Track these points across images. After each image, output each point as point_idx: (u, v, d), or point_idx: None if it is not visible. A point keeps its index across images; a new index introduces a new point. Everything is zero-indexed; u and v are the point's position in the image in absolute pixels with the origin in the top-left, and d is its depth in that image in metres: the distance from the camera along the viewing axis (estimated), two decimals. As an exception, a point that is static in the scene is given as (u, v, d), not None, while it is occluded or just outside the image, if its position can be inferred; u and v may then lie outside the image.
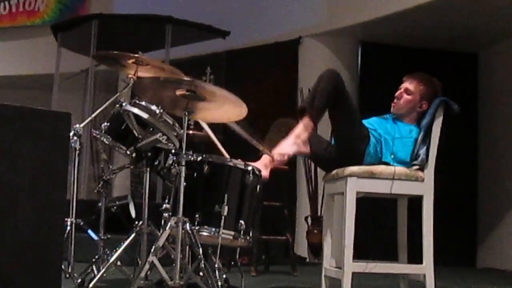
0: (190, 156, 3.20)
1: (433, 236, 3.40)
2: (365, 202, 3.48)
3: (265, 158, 3.51)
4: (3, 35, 10.93)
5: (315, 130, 3.52)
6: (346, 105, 3.51)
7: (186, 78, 3.08)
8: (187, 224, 3.02)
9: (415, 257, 3.52)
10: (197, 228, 3.11)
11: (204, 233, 3.14)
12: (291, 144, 3.44)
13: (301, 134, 3.43)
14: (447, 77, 3.78)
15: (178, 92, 3.11)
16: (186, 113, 3.14)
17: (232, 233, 3.18)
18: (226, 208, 3.13)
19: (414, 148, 3.49)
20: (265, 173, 3.45)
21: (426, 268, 3.39)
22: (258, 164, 3.45)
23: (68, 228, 3.41)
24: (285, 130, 3.56)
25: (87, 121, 3.65)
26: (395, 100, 3.64)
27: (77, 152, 3.47)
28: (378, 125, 3.55)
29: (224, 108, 3.27)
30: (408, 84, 3.62)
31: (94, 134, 3.43)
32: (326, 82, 3.46)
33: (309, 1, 8.14)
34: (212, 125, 5.26)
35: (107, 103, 3.64)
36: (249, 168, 3.28)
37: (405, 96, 3.61)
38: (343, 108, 3.50)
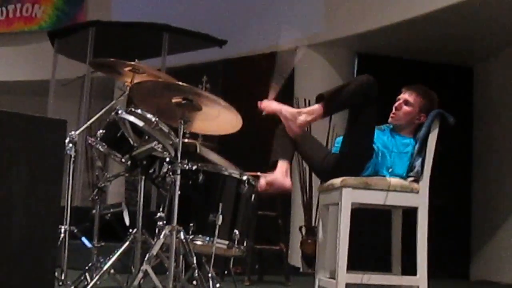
0: (185, 165, 3.20)
1: (427, 248, 3.40)
2: (359, 213, 3.48)
3: (282, 166, 3.40)
4: (0, 40, 10.92)
5: (309, 132, 3.45)
6: (368, 118, 3.38)
7: (184, 85, 3.08)
8: (181, 233, 3.01)
9: (409, 268, 3.51)
10: (191, 237, 3.11)
11: (198, 242, 3.14)
12: (289, 111, 3.35)
13: (304, 114, 3.34)
14: (442, 90, 3.78)
15: (174, 100, 3.11)
16: (182, 122, 3.14)
17: (226, 242, 3.18)
18: (220, 217, 3.13)
19: (410, 162, 3.48)
20: (288, 182, 3.37)
21: (420, 280, 3.39)
22: (278, 173, 3.37)
23: (62, 235, 3.39)
24: (289, 138, 3.51)
25: (82, 128, 3.64)
26: (394, 111, 3.62)
27: (72, 159, 3.46)
28: (376, 138, 3.54)
29: (220, 119, 3.27)
30: (407, 96, 3.60)
31: (90, 141, 3.42)
32: (357, 85, 3.34)
33: (306, 12, 8.15)
34: (207, 134, 5.28)
35: (103, 111, 3.63)
36: (244, 177, 3.28)
37: (404, 108, 3.59)
38: (364, 120, 3.38)
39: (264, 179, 3.36)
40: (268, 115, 3.40)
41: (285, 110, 3.36)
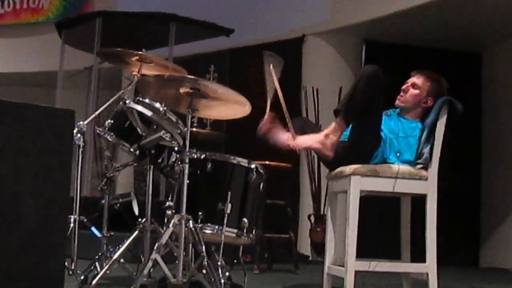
0: (193, 154, 3.21)
1: (436, 235, 3.39)
2: (368, 200, 3.48)
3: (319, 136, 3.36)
4: (7, 32, 10.94)
5: (320, 127, 3.46)
6: (376, 108, 3.37)
7: (189, 77, 3.08)
8: (190, 222, 3.02)
9: (418, 256, 3.51)
10: (200, 225, 3.12)
11: (207, 231, 3.14)
12: (318, 140, 3.32)
13: (330, 135, 3.32)
14: (450, 76, 3.76)
15: (182, 90, 3.11)
16: (190, 111, 3.14)
17: (235, 231, 3.19)
18: (229, 206, 3.13)
19: (418, 147, 3.48)
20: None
21: (429, 267, 3.38)
22: (307, 138, 3.37)
23: (72, 225, 3.41)
24: (302, 128, 3.51)
25: (90, 118, 3.65)
26: (401, 93, 3.61)
27: (80, 149, 3.47)
28: (382, 124, 3.53)
29: (228, 106, 3.27)
30: (415, 79, 3.60)
31: (98, 132, 3.43)
32: (365, 83, 3.29)
33: (312, 1, 8.13)
34: (215, 123, 5.28)
35: (110, 101, 3.64)
36: (253, 166, 3.28)
37: (412, 90, 3.58)
38: (373, 110, 3.35)
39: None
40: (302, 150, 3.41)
41: (314, 144, 3.34)
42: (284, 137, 3.40)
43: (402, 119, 3.59)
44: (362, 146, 3.44)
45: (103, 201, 3.70)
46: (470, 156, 8.13)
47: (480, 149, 8.32)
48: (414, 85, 3.58)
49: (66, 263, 3.20)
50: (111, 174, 3.65)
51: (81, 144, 3.46)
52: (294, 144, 3.36)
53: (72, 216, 3.43)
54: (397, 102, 3.62)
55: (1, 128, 2.24)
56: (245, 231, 3.21)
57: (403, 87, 3.61)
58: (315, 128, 3.86)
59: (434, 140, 3.42)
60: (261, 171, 3.33)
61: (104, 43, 7.74)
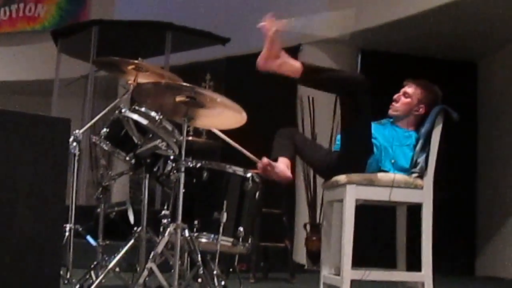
0: (189, 163, 3.20)
1: (432, 244, 3.39)
2: (364, 209, 3.48)
3: (282, 160, 3.45)
4: (3, 40, 10.94)
5: (315, 138, 3.48)
6: (363, 113, 3.39)
7: (186, 85, 3.08)
8: (186, 231, 3.02)
9: (414, 265, 3.51)
10: (196, 234, 3.11)
11: (203, 240, 3.14)
12: (278, 48, 3.32)
13: (286, 57, 3.33)
14: (446, 86, 3.78)
15: (178, 99, 3.11)
16: (186, 120, 3.14)
17: (231, 239, 3.18)
18: (225, 214, 3.13)
19: (413, 155, 3.49)
20: (288, 173, 3.42)
21: (425, 276, 3.38)
22: (281, 166, 3.40)
23: (67, 234, 3.40)
24: (289, 140, 3.54)
25: (86, 127, 3.65)
26: (393, 103, 3.65)
27: (76, 157, 3.46)
28: (376, 132, 3.54)
29: (223, 115, 3.27)
30: (407, 88, 3.64)
31: (94, 140, 3.43)
32: (350, 74, 3.38)
33: (310, 8, 8.14)
34: (211, 131, 5.28)
35: (106, 109, 3.64)
36: (248, 175, 3.28)
37: (403, 99, 3.63)
38: (359, 115, 3.39)
39: (266, 159, 3.38)
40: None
41: (276, 40, 3.32)
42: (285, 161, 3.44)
43: (396, 128, 3.61)
44: (355, 155, 3.47)
45: (98, 210, 3.69)
46: (465, 165, 8.15)
47: (476, 158, 8.33)
48: (405, 94, 3.63)
49: (61, 272, 3.20)
50: (107, 183, 3.64)
51: (77, 152, 3.46)
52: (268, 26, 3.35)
53: (67, 225, 3.43)
54: (389, 111, 3.66)
55: (-4, 136, 2.24)
56: (241, 240, 3.20)
57: (395, 96, 3.66)
58: (306, 140, 3.89)
59: (429, 149, 3.43)
60: (257, 180, 3.33)
61: (100, 52, 7.75)
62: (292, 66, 3.35)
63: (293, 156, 3.59)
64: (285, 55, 3.35)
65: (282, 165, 3.42)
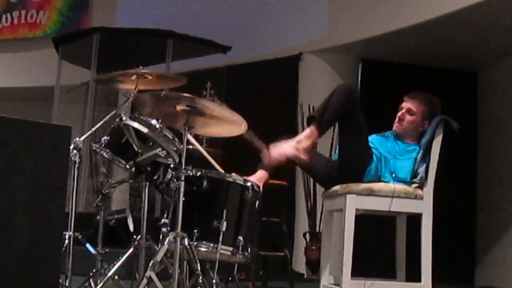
0: (189, 171, 3.20)
1: (432, 254, 3.39)
2: (364, 219, 3.48)
3: (259, 173, 3.53)
4: (5, 47, 10.95)
5: (315, 147, 3.51)
6: (356, 122, 3.47)
7: (186, 95, 3.09)
8: (186, 239, 3.01)
9: (414, 275, 3.50)
10: (195, 243, 3.10)
11: (203, 249, 3.13)
12: (291, 146, 3.40)
13: (303, 141, 3.40)
14: (446, 95, 3.79)
15: (178, 108, 3.11)
16: (186, 128, 3.14)
17: (231, 248, 3.18)
18: (224, 223, 3.12)
19: (414, 166, 3.49)
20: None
21: (425, 286, 3.38)
22: (253, 178, 3.46)
23: (66, 241, 3.39)
24: None
25: (87, 134, 3.64)
26: (398, 121, 3.65)
27: (76, 165, 3.46)
28: (378, 144, 3.55)
29: (224, 124, 3.28)
30: (410, 105, 3.63)
31: (94, 148, 3.43)
32: (339, 95, 3.43)
33: (310, 18, 8.16)
34: (211, 140, 5.28)
35: (107, 117, 3.64)
36: (248, 184, 3.28)
37: (408, 117, 3.62)
38: (353, 124, 3.46)
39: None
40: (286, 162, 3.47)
41: (287, 151, 3.40)
42: (259, 174, 3.54)
43: (399, 142, 3.61)
44: (352, 164, 3.49)
45: (98, 218, 3.69)
46: (465, 175, 8.13)
47: (475, 168, 8.32)
48: (409, 111, 3.62)
49: (60, 280, 3.19)
50: (107, 191, 3.64)
51: (77, 160, 3.45)
52: (269, 159, 3.41)
53: (67, 232, 3.42)
54: (394, 128, 3.66)
55: (-3, 144, 2.24)
56: (240, 249, 3.20)
57: (399, 114, 3.65)
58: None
59: (429, 159, 3.43)
60: (257, 188, 3.33)
61: (101, 59, 7.75)
62: (310, 135, 3.43)
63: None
64: (299, 139, 3.42)
65: (254, 179, 3.48)
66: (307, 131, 3.43)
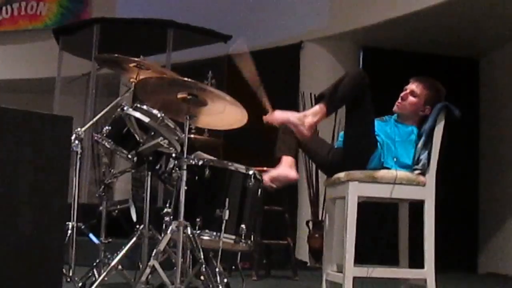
0: (191, 160, 3.21)
1: (435, 241, 3.39)
2: (366, 206, 3.48)
3: (285, 160, 3.47)
4: (5, 39, 10.94)
5: (317, 132, 3.48)
6: (365, 109, 3.43)
7: (188, 80, 3.08)
8: (188, 228, 3.02)
9: (416, 261, 3.51)
10: (198, 232, 3.11)
11: (205, 237, 3.14)
12: (296, 116, 3.34)
13: (309, 116, 3.33)
14: (448, 82, 3.77)
15: (180, 96, 3.11)
16: (188, 117, 3.14)
17: (233, 237, 3.18)
18: (227, 212, 3.13)
19: (415, 151, 3.49)
20: (292, 173, 3.44)
21: (428, 273, 3.38)
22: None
23: (69, 231, 3.41)
24: (293, 134, 3.53)
25: (88, 125, 3.65)
26: (399, 100, 3.63)
27: (78, 155, 3.47)
28: (379, 129, 3.54)
29: (225, 113, 3.27)
30: (414, 87, 3.61)
31: (96, 138, 3.43)
32: (351, 79, 3.39)
33: (311, 6, 8.14)
34: (212, 129, 5.28)
35: (108, 107, 3.64)
36: (250, 172, 3.28)
37: (410, 98, 3.60)
38: (361, 111, 3.43)
39: (267, 175, 3.39)
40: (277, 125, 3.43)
41: (291, 117, 3.35)
42: (287, 162, 3.46)
43: (398, 125, 3.60)
44: (358, 151, 3.46)
45: (101, 208, 3.69)
46: (468, 162, 8.14)
47: (478, 155, 8.32)
48: (412, 93, 3.59)
49: (64, 270, 3.20)
50: (109, 181, 3.65)
51: (79, 150, 3.46)
52: (270, 118, 3.39)
53: (70, 223, 3.43)
54: (395, 108, 3.64)
55: (-1, 135, 2.24)
56: (243, 237, 3.20)
57: (402, 94, 3.62)
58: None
59: (431, 146, 3.42)
60: (259, 177, 3.33)
61: (102, 50, 7.73)
62: (317, 112, 3.36)
63: (296, 151, 3.59)
64: (305, 113, 3.37)
65: (284, 170, 3.44)
66: (316, 107, 3.37)
